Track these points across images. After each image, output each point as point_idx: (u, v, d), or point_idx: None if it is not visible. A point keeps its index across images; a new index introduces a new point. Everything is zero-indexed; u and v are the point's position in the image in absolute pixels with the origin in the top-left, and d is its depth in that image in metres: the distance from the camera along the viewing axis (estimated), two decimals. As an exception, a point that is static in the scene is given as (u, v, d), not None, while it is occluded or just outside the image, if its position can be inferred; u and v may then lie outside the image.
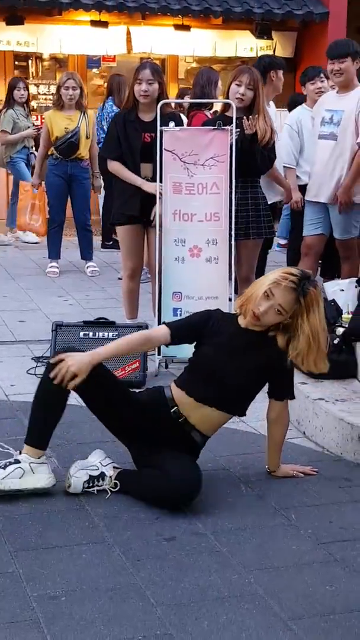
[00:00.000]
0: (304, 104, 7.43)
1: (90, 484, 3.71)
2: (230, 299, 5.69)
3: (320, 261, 7.17)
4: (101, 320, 5.64)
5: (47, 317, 6.81)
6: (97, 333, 5.43)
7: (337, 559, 3.27)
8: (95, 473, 3.74)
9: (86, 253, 8.79)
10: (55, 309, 7.08)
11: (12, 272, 8.74)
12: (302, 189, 7.08)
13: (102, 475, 3.74)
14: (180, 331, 3.83)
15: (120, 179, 5.88)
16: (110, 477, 3.73)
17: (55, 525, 3.48)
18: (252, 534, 3.44)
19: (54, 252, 8.73)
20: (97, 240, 9.57)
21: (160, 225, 5.56)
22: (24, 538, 3.36)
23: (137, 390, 4.13)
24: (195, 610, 2.90)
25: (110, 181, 7.36)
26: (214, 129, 5.51)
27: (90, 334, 5.44)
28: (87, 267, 8.72)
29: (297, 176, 7.20)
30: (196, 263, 5.52)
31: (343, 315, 5.23)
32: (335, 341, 4.93)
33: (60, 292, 7.83)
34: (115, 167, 5.88)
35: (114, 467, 3.78)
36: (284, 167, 7.18)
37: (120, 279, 6.95)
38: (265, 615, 2.88)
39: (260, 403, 5.03)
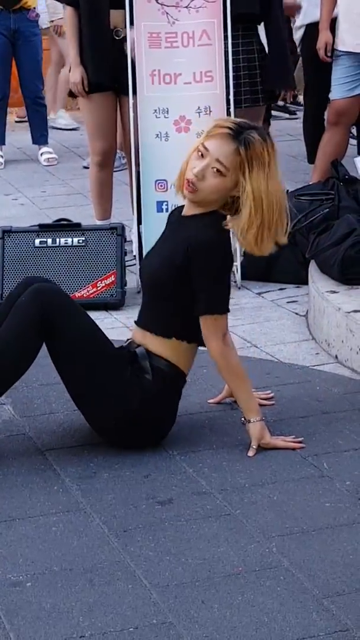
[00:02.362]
0: None
1: None
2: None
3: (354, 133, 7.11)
4: (63, 223, 5.62)
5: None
6: (57, 239, 5.41)
7: (384, 516, 3.31)
8: None
9: (39, 136, 8.72)
10: (2, 212, 7.04)
11: None
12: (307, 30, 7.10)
13: None
14: None
15: (84, 33, 5.79)
16: None
17: (15, 491, 3.50)
18: (273, 491, 3.47)
19: (-2, 136, 8.66)
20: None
21: (135, 92, 5.49)
22: (-25, 510, 3.41)
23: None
24: (202, 591, 2.93)
25: None
26: None
27: (49, 240, 5.42)
28: (42, 154, 8.68)
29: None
30: (184, 139, 5.45)
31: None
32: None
33: (7, 189, 7.81)
34: (68, 15, 5.81)
35: None
36: None
37: (86, 167, 6.91)
38: (293, 593, 2.91)
39: (279, 321, 5.07)
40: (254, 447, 3.70)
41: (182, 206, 3.88)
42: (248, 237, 3.64)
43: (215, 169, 3.59)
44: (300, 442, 3.77)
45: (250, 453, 3.70)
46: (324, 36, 6.74)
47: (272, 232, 3.65)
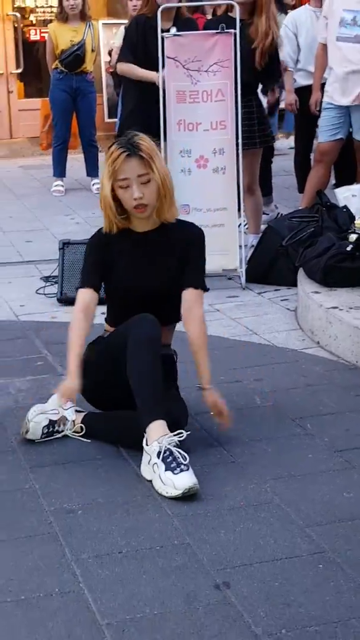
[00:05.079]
0: (307, 4, 7.28)
1: (51, 429, 3.48)
2: (239, 209, 5.65)
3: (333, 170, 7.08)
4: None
5: (54, 236, 6.78)
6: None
7: (354, 466, 3.29)
8: (56, 417, 3.50)
9: (92, 170, 8.71)
10: (62, 228, 7.05)
11: (17, 192, 8.69)
12: (298, 92, 7.05)
13: (63, 420, 3.51)
14: (93, 275, 3.50)
15: (127, 90, 5.79)
16: (73, 421, 3.51)
17: (69, 441, 3.50)
18: (268, 444, 3.46)
19: (59, 170, 8.65)
20: (103, 156, 9.47)
21: (165, 137, 5.48)
22: (39, 455, 3.40)
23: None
24: (212, 520, 2.93)
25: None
26: (217, 32, 5.38)
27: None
28: (93, 184, 8.65)
29: (294, 79, 7.16)
30: (203, 174, 5.45)
31: (356, 222, 5.19)
32: (349, 248, 4.91)
33: (66, 211, 7.79)
34: (124, 67, 5.82)
35: (76, 411, 3.55)
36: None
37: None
38: (283, 523, 2.91)
39: (274, 315, 5.06)
40: (223, 412, 3.44)
41: (104, 235, 3.50)
42: (172, 210, 3.47)
43: (141, 182, 3.35)
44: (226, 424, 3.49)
45: (227, 420, 3.46)
46: (315, 95, 6.73)
47: (173, 197, 3.48)
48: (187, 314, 3.48)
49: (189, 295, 3.48)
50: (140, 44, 5.83)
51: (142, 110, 5.90)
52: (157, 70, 5.62)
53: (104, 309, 3.65)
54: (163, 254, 3.51)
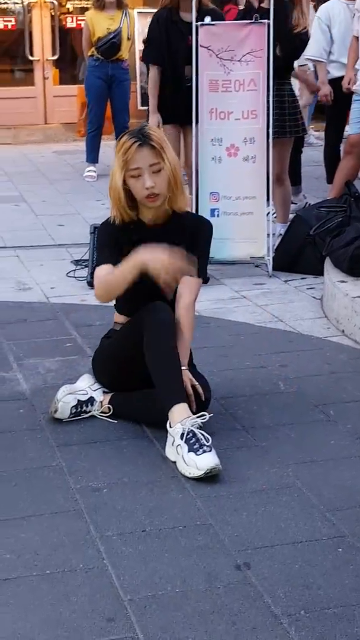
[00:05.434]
0: None
1: (79, 409, 3.50)
2: (268, 198, 5.63)
3: None
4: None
5: (85, 220, 6.79)
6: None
7: (375, 452, 3.28)
8: (84, 398, 3.52)
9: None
10: (93, 213, 7.05)
11: (50, 176, 8.71)
12: (332, 82, 6.99)
13: (91, 400, 3.53)
14: (110, 256, 3.39)
15: (164, 84, 5.86)
16: (101, 402, 3.53)
17: (97, 421, 3.51)
18: (291, 430, 3.46)
19: (92, 156, 8.65)
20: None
21: (197, 125, 5.47)
22: (66, 433, 3.42)
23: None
24: (234, 502, 2.94)
25: None
26: (250, 23, 5.35)
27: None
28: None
29: (328, 71, 7.10)
30: (233, 162, 5.43)
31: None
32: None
33: (98, 196, 7.79)
34: (153, 74, 5.87)
35: (103, 392, 3.57)
36: (314, 60, 7.07)
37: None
38: (304, 507, 2.91)
39: (300, 302, 5.04)
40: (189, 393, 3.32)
41: (112, 225, 3.45)
42: (184, 199, 3.46)
43: (153, 171, 3.33)
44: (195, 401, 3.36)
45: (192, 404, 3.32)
46: (348, 74, 6.65)
47: (183, 187, 3.47)
48: (177, 298, 3.43)
49: (185, 282, 3.41)
50: (164, 40, 5.85)
51: (170, 100, 5.92)
52: (181, 61, 5.66)
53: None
54: (171, 246, 3.43)
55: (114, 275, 3.32)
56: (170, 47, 5.83)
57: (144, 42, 6.23)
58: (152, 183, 3.33)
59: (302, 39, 5.77)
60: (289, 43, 5.60)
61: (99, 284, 3.39)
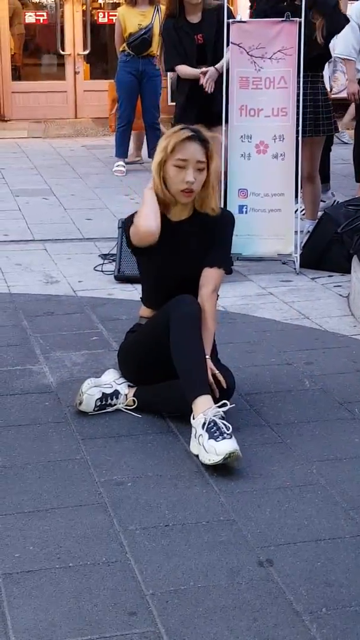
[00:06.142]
0: None
1: (103, 402, 3.50)
2: (296, 195, 5.60)
3: None
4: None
5: (113, 215, 6.79)
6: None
7: None
8: (109, 391, 3.52)
9: (153, 151, 8.67)
10: (122, 207, 7.05)
11: (79, 171, 8.72)
12: None
13: (115, 394, 3.53)
14: None
15: (177, 85, 5.89)
16: (126, 395, 3.54)
17: (121, 415, 3.52)
18: (315, 427, 3.44)
19: (121, 151, 8.65)
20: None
21: (227, 122, 5.45)
22: (91, 427, 3.42)
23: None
24: (258, 498, 2.93)
25: None
26: (282, 20, 5.32)
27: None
28: (154, 166, 8.63)
29: (357, 69, 7.04)
30: (262, 159, 5.41)
31: None
32: None
33: (126, 191, 7.80)
34: (183, 70, 5.88)
35: (128, 386, 3.57)
36: (343, 59, 7.02)
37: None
38: (327, 504, 2.89)
39: (327, 300, 5.02)
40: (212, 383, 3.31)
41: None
42: (209, 204, 3.44)
43: (198, 169, 3.35)
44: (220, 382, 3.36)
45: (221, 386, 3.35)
46: (353, 87, 6.66)
47: (217, 192, 3.51)
48: (200, 288, 3.43)
49: (206, 273, 3.44)
50: (177, 44, 5.89)
51: (193, 104, 5.93)
52: (192, 64, 5.76)
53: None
54: (196, 243, 3.49)
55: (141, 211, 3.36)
56: (182, 48, 5.89)
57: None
58: (193, 179, 3.35)
59: (344, 16, 5.75)
60: (333, 17, 5.55)
61: (135, 222, 3.39)
